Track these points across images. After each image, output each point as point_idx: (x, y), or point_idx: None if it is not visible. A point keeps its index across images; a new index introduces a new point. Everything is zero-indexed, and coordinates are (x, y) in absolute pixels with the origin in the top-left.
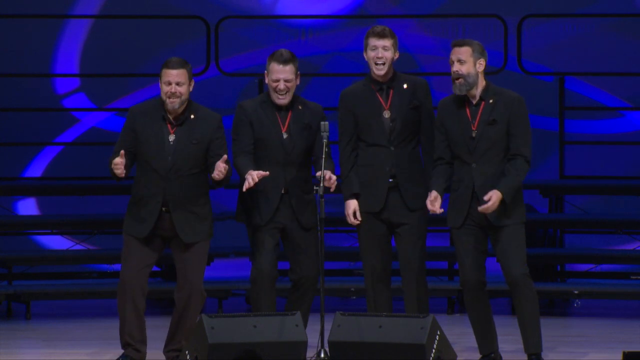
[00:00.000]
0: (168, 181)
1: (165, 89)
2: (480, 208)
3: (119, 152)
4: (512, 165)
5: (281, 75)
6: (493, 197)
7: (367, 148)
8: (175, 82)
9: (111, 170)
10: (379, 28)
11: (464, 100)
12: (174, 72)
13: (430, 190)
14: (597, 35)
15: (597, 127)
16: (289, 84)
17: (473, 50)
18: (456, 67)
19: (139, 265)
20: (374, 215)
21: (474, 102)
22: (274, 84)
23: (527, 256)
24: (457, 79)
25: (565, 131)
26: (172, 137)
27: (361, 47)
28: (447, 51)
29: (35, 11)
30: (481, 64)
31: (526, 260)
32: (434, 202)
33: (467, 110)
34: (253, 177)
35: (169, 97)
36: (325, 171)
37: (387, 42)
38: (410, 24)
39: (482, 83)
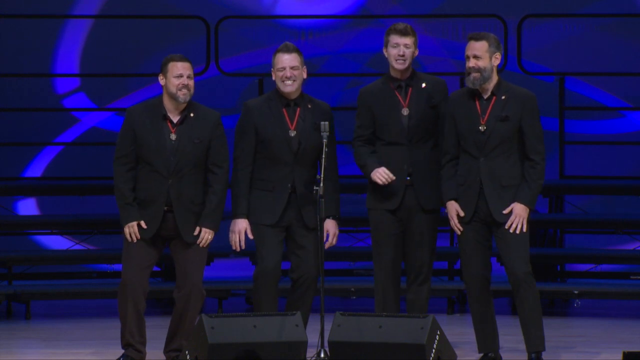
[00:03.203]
0: (170, 181)
1: (176, 82)
2: (507, 225)
3: (123, 156)
4: (530, 172)
5: (287, 62)
6: (516, 212)
7: (385, 146)
8: (187, 75)
9: (123, 220)
10: (401, 25)
11: (474, 94)
12: (183, 64)
13: (448, 200)
14: (597, 35)
15: (597, 127)
16: (295, 72)
17: (489, 45)
18: (472, 63)
19: (141, 265)
20: (390, 213)
21: (485, 96)
22: (281, 73)
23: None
24: (473, 73)
25: (565, 131)
26: (173, 137)
27: (361, 48)
28: (447, 51)
29: (35, 11)
30: (497, 58)
31: (528, 257)
32: (455, 218)
33: (477, 104)
34: (241, 241)
35: (181, 90)
36: (329, 225)
37: (409, 40)
38: (410, 24)
39: (495, 78)
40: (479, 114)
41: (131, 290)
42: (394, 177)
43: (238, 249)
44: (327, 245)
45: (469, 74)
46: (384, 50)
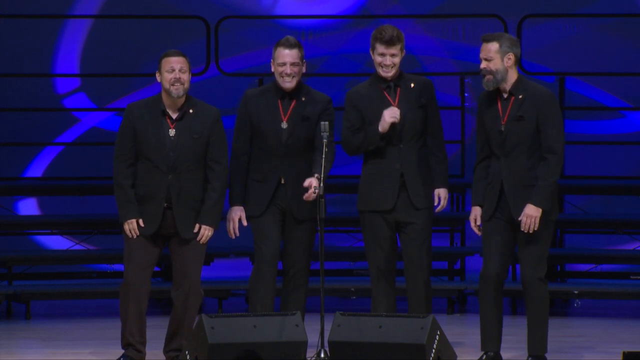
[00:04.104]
0: (170, 177)
1: (168, 76)
2: (522, 228)
3: (123, 153)
4: (542, 170)
5: (287, 58)
6: (527, 213)
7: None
8: (179, 69)
9: (122, 217)
10: (387, 34)
11: (497, 95)
12: (176, 58)
13: (474, 205)
14: (597, 35)
15: (597, 127)
16: (295, 68)
17: (500, 46)
18: (484, 65)
19: (143, 264)
20: (382, 214)
21: (505, 96)
22: (281, 69)
23: None
24: (486, 75)
25: (565, 131)
26: (172, 132)
27: (361, 48)
28: (447, 51)
29: (35, 11)
30: (510, 59)
31: (542, 261)
32: (476, 222)
33: (499, 104)
34: (235, 229)
35: (173, 84)
36: (308, 180)
37: (395, 50)
38: (410, 24)
39: (513, 77)
40: (500, 115)
41: (134, 290)
42: (397, 110)
43: (233, 236)
44: (306, 196)
45: (484, 76)
46: (371, 52)
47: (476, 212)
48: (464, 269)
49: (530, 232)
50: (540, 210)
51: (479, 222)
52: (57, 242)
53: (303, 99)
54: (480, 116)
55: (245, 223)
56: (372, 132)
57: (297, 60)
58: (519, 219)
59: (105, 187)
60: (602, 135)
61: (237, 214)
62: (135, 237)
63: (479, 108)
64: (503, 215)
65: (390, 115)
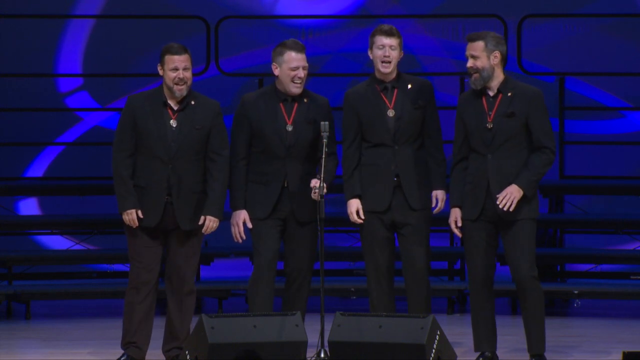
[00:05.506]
0: (171, 168)
1: (172, 75)
2: (498, 201)
3: (123, 143)
4: (535, 157)
5: (301, 62)
6: (509, 190)
7: (372, 148)
8: (183, 68)
9: (121, 207)
10: (386, 27)
11: (481, 92)
12: (180, 57)
13: (452, 206)
14: (597, 36)
15: (597, 127)
16: (306, 72)
17: (486, 44)
18: (470, 63)
19: (151, 265)
20: (378, 215)
21: (492, 94)
22: (293, 73)
23: None
24: (473, 73)
25: (565, 131)
26: (174, 123)
27: (361, 48)
28: (447, 51)
29: (37, 11)
30: (496, 57)
31: (534, 259)
32: (456, 224)
33: (484, 102)
34: (241, 233)
35: (177, 84)
36: (314, 180)
37: (394, 42)
38: (410, 24)
39: (499, 76)
40: (486, 112)
41: (145, 288)
42: (362, 220)
43: (240, 241)
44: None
45: (471, 75)
46: (369, 52)
47: (456, 214)
48: (464, 269)
49: (505, 209)
50: (522, 192)
51: (459, 224)
52: (57, 242)
53: (305, 100)
54: (460, 116)
55: (250, 225)
56: (347, 188)
57: (306, 64)
58: (497, 196)
59: (106, 187)
60: (602, 135)
61: (241, 217)
62: (135, 227)
63: (459, 109)
64: (487, 216)
65: (351, 212)
